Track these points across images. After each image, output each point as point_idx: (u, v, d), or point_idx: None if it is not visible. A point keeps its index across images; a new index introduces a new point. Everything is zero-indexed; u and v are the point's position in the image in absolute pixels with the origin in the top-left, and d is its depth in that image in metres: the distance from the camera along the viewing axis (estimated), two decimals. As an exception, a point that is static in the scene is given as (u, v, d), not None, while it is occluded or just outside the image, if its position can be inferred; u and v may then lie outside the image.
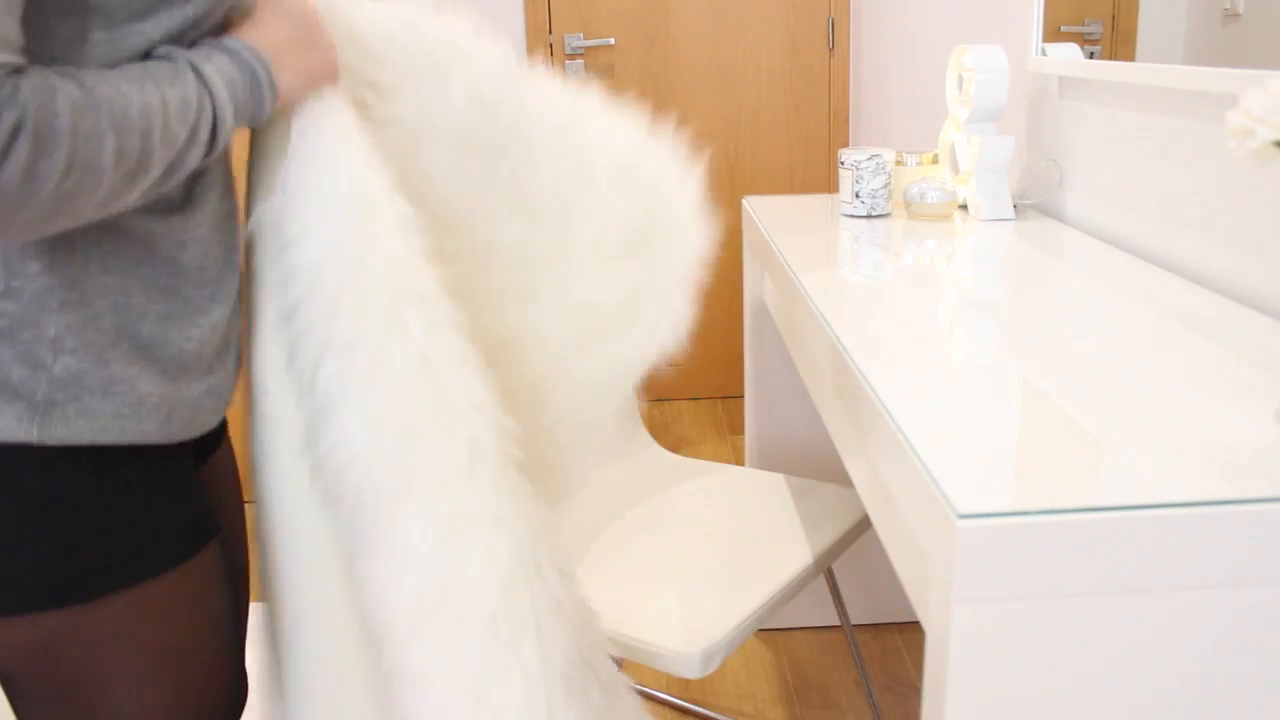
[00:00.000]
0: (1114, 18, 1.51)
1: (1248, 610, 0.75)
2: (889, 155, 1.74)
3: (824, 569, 1.46)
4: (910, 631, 2.12)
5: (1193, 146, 1.36)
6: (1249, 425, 0.86)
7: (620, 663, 1.35)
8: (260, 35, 0.82)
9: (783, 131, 3.15)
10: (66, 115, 0.65)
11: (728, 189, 3.20)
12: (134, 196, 0.72)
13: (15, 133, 0.62)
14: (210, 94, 0.76)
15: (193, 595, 0.85)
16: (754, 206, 1.91)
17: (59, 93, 0.65)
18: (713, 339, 3.32)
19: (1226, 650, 0.76)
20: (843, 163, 1.75)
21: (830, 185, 3.19)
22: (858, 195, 1.74)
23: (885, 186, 1.74)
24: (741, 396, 3.39)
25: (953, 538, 0.73)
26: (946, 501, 0.75)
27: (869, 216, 1.75)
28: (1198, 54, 1.30)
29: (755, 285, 1.97)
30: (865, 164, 1.72)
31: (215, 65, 0.78)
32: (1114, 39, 1.51)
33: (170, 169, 0.74)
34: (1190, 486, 0.75)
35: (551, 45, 3.07)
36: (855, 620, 2.14)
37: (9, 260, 0.73)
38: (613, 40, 3.06)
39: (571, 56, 3.07)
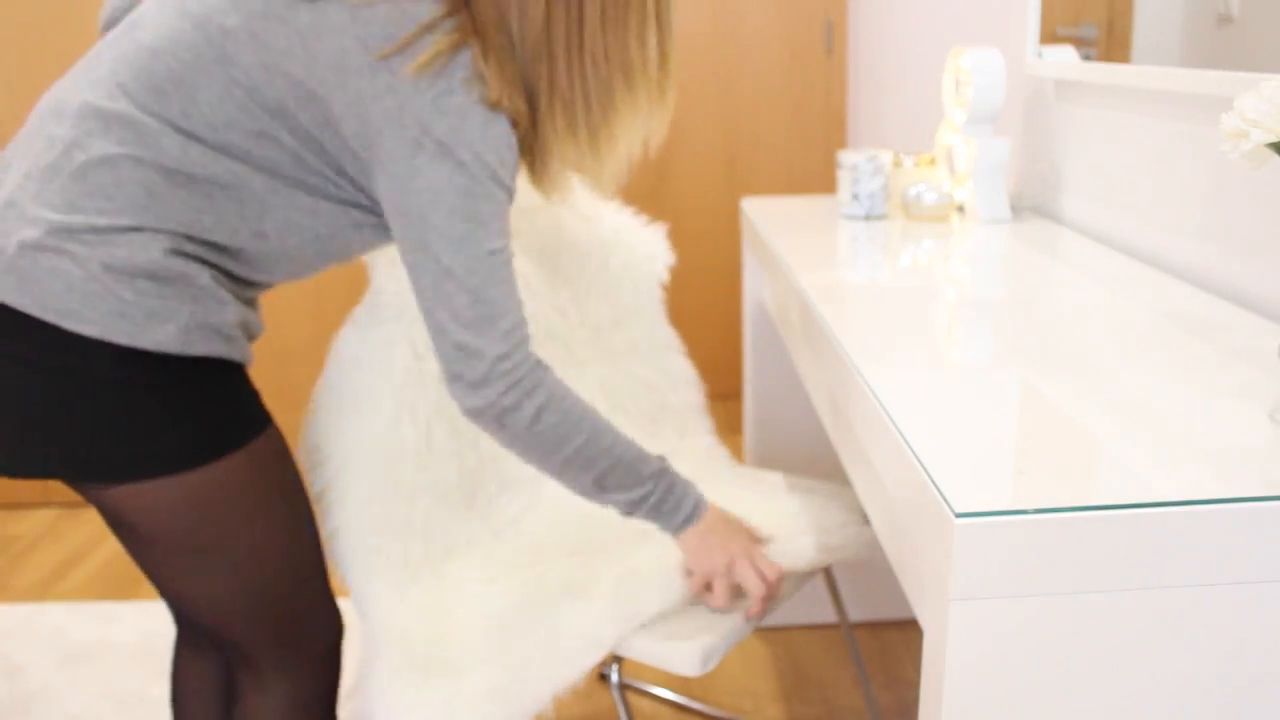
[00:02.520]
0: (1109, 21, 1.52)
1: (1242, 608, 0.76)
2: (886, 157, 1.75)
3: (822, 567, 1.47)
4: (908, 629, 2.13)
5: (1188, 149, 1.37)
6: (1244, 425, 0.87)
7: (620, 660, 1.36)
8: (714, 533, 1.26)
9: (781, 133, 3.16)
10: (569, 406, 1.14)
11: (726, 190, 3.20)
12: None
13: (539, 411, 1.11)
14: (646, 496, 1.21)
15: (279, 452, 1.16)
16: (752, 207, 1.92)
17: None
18: (712, 339, 3.33)
19: (1222, 648, 0.77)
20: (840, 164, 1.76)
21: (828, 186, 3.20)
22: (855, 196, 1.75)
23: (883, 188, 1.75)
24: (741, 396, 3.40)
25: (950, 536, 0.73)
26: (944, 500, 0.75)
27: (867, 218, 1.76)
28: (1192, 57, 1.31)
29: (754, 285, 1.98)
30: (863, 165, 1.73)
31: (669, 497, 1.23)
32: (1109, 42, 1.52)
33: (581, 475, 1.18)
34: (1185, 485, 0.76)
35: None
36: (853, 618, 2.15)
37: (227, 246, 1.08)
38: (611, 41, 3.07)
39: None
